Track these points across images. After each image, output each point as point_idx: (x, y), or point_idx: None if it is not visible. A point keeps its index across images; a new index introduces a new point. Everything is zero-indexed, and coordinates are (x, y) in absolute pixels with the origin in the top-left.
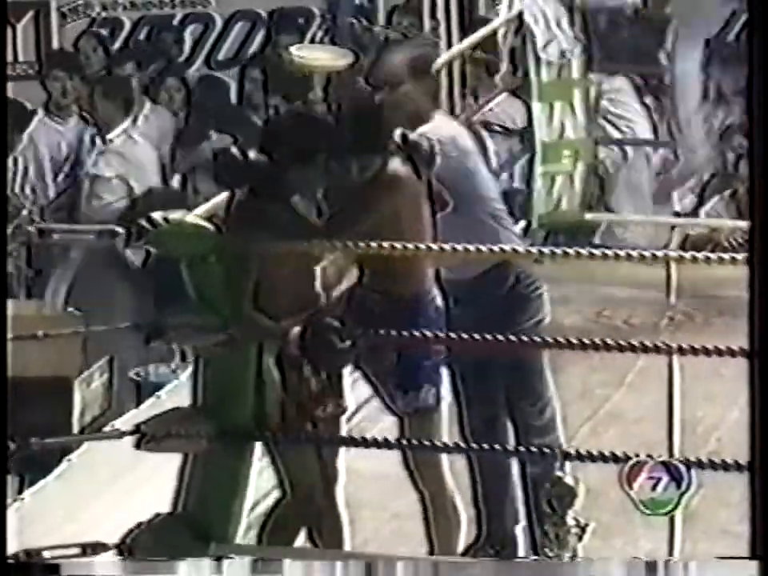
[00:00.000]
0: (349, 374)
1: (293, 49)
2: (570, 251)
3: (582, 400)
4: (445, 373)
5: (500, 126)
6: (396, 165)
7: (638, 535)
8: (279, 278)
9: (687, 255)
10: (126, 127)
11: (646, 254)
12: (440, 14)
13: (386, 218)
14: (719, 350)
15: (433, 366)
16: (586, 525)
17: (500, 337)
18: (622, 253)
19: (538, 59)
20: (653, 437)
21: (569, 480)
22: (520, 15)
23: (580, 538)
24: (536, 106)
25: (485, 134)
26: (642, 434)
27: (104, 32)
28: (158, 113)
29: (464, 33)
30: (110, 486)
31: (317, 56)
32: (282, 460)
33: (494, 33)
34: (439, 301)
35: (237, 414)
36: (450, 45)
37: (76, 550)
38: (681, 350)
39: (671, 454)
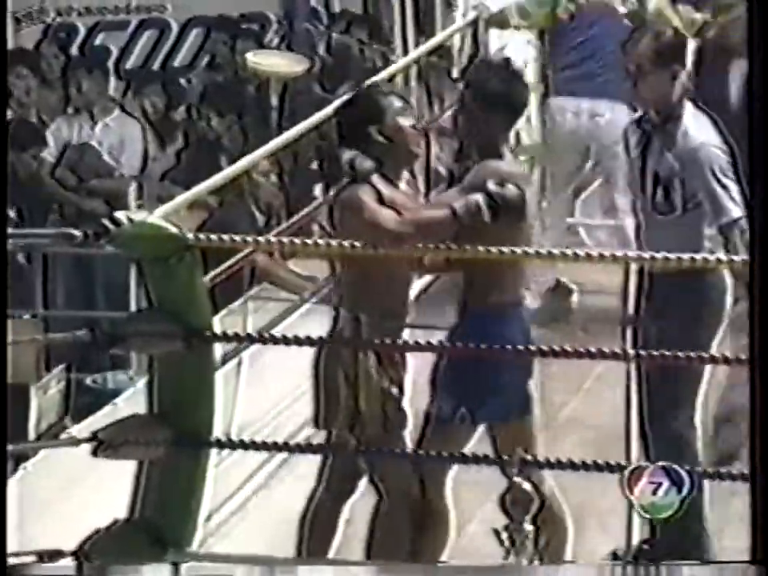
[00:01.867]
0: None
1: (249, 55)
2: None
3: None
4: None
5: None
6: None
7: (596, 540)
8: (383, 280)
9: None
10: None
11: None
12: (396, 19)
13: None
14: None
15: (482, 380)
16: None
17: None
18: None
19: None
20: (611, 443)
21: (526, 486)
22: (475, 21)
23: (537, 544)
24: None
25: None
26: (599, 440)
27: (62, 35)
28: (122, 120)
29: (420, 38)
30: (67, 493)
31: (273, 62)
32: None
33: (451, 38)
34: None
35: (193, 420)
36: (406, 50)
37: (33, 557)
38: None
39: (628, 460)
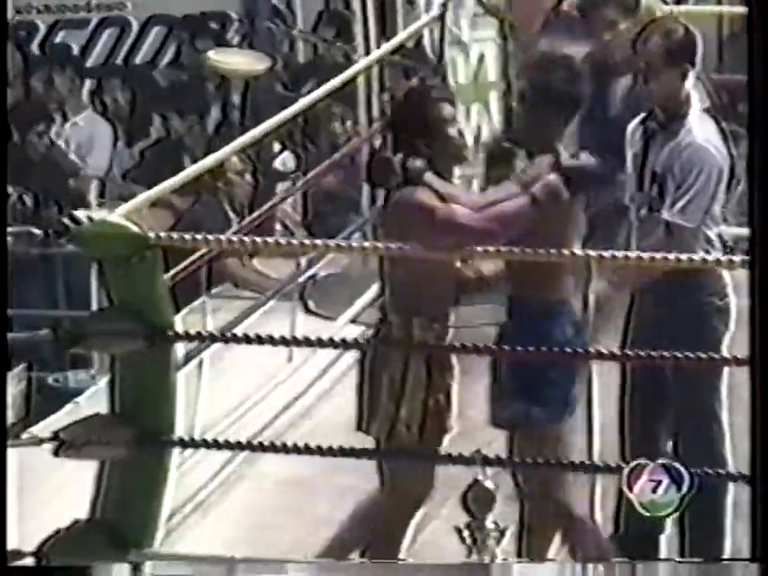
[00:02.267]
0: None
1: (210, 53)
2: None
3: None
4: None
5: None
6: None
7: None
8: (433, 281)
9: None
10: None
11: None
12: (357, 18)
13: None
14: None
15: (548, 381)
16: (505, 528)
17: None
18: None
19: (454, 62)
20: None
21: (488, 484)
22: (441, 17)
23: (499, 542)
24: None
25: None
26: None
27: (21, 33)
28: (90, 120)
29: (382, 36)
30: (26, 493)
31: (234, 60)
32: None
33: (413, 36)
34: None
35: (155, 419)
36: (367, 48)
37: None
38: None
39: (591, 459)
